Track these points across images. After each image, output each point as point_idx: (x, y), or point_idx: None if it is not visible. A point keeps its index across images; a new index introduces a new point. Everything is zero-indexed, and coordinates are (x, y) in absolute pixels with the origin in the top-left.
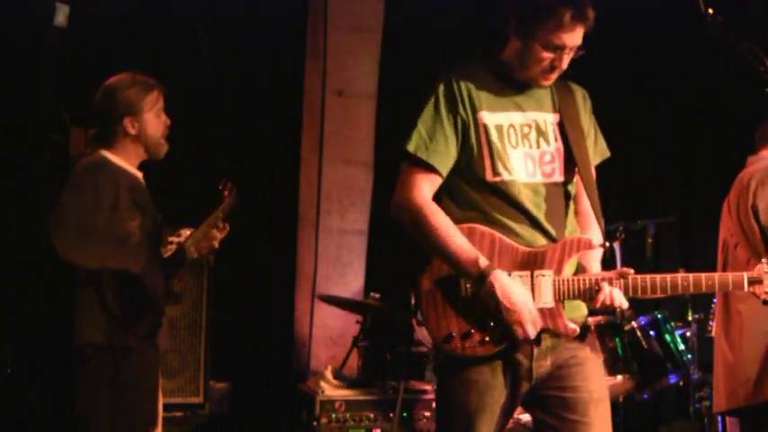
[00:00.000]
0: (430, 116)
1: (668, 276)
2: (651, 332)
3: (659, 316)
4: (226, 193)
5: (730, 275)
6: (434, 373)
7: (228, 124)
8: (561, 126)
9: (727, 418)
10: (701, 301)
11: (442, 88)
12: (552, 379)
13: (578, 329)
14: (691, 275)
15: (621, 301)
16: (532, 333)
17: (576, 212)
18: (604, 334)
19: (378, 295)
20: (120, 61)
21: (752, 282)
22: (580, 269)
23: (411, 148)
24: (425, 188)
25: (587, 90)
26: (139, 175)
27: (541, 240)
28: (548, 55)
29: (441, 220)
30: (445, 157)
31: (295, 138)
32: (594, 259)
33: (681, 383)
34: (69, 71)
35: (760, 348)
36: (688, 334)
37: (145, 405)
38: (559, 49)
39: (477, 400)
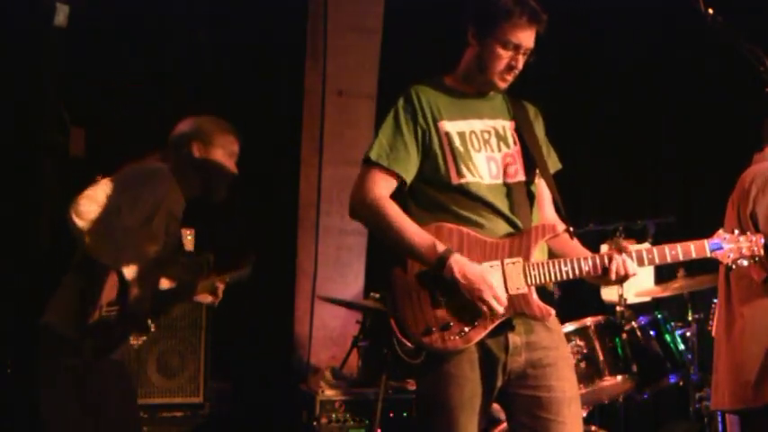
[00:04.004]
0: (390, 127)
1: (634, 251)
2: (651, 332)
3: (659, 316)
4: (244, 264)
5: (692, 245)
6: (413, 371)
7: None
8: (518, 131)
9: (727, 417)
10: (701, 302)
11: (401, 102)
12: (526, 378)
13: (552, 311)
14: (655, 248)
15: (634, 269)
16: (497, 307)
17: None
18: (604, 334)
19: (378, 295)
20: (121, 61)
21: (713, 248)
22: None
23: (373, 156)
24: (382, 186)
25: (591, 91)
26: (183, 205)
27: (511, 233)
28: (506, 54)
29: (396, 212)
30: (406, 162)
31: (295, 138)
32: (579, 248)
33: (681, 383)
34: (69, 71)
35: (760, 352)
36: (688, 334)
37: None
38: (516, 48)
39: (458, 395)
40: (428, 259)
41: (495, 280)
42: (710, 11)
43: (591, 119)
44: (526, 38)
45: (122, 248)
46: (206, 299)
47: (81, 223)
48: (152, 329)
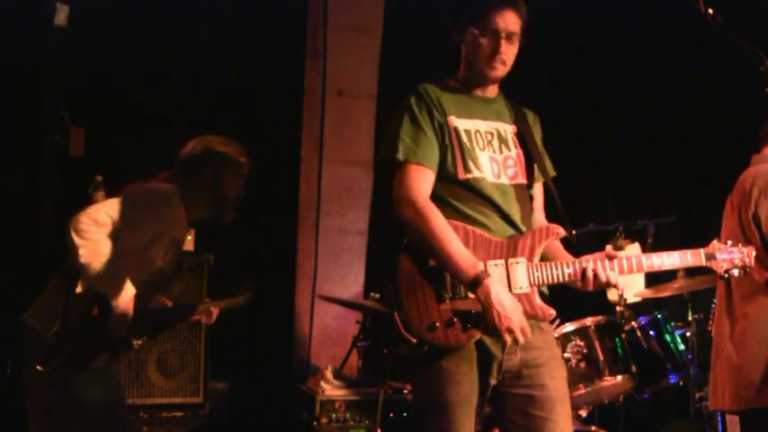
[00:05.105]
0: (408, 124)
1: (633, 256)
2: (651, 332)
3: (659, 316)
4: (242, 293)
5: (689, 252)
6: (411, 369)
7: (228, 124)
8: (519, 135)
9: (728, 417)
10: (701, 302)
11: (413, 99)
12: (520, 377)
13: (553, 311)
14: (653, 255)
15: (617, 280)
16: (521, 339)
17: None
18: (604, 334)
19: (378, 295)
20: (120, 61)
21: (708, 257)
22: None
23: (401, 156)
24: (424, 186)
25: (591, 91)
26: (186, 230)
27: (511, 233)
28: (485, 40)
29: (441, 222)
30: (432, 155)
31: (295, 138)
32: (562, 250)
33: (681, 383)
34: (69, 71)
35: (764, 352)
36: (688, 334)
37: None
38: (495, 33)
39: (456, 392)
40: (465, 275)
41: (520, 309)
42: (710, 11)
43: (591, 119)
44: (503, 21)
45: (114, 275)
46: (199, 317)
47: (78, 241)
48: (135, 346)
